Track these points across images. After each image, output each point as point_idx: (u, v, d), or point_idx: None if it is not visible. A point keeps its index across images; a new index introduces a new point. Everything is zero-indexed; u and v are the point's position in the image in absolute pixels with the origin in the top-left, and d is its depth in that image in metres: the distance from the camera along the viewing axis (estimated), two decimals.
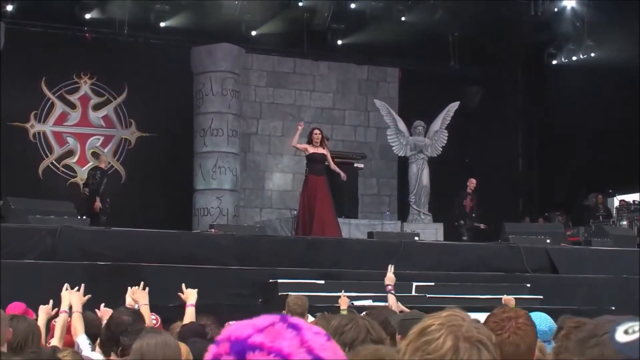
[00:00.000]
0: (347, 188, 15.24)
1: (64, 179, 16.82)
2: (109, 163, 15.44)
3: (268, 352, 1.25)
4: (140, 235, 10.65)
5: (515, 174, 20.76)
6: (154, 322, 5.25)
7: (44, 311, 5.13)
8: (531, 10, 17.20)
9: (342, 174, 13.04)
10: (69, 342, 5.06)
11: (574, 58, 18.18)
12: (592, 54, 17.80)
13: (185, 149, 17.28)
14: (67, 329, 5.20)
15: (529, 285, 11.18)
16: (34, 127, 16.75)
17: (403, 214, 17.79)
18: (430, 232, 15.68)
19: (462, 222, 15.90)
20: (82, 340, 4.76)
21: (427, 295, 10.23)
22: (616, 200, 17.90)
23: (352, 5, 17.69)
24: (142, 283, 5.86)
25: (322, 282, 10.08)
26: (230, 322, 5.25)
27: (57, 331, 4.80)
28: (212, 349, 1.31)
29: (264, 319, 1.31)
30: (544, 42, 18.74)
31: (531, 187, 20.73)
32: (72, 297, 5.03)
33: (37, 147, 16.72)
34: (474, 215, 16.09)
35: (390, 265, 7.11)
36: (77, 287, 5.45)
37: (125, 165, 17.28)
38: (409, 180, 16.91)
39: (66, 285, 5.30)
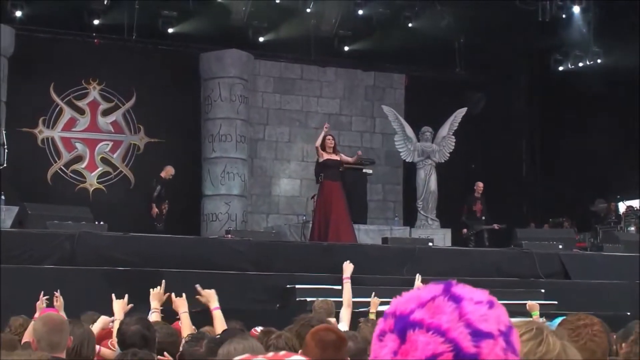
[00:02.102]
0: (356, 194, 15.31)
1: (72, 184, 16.84)
2: (171, 176, 15.46)
3: (427, 328, 1.27)
4: (157, 241, 10.70)
5: (519, 180, 20.81)
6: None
7: (101, 321, 5.16)
8: (538, 17, 17.24)
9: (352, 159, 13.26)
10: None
11: (580, 64, 18.24)
12: (599, 61, 17.86)
13: (194, 154, 17.32)
14: (102, 337, 5.24)
15: (543, 290, 11.23)
16: (42, 132, 16.77)
17: (409, 219, 17.84)
18: (438, 237, 15.70)
19: (468, 229, 15.86)
20: None
21: None
22: (622, 206, 17.94)
23: (360, 12, 17.73)
24: (163, 282, 5.83)
25: (340, 287, 10.08)
26: (257, 328, 5.27)
27: None
28: (380, 323, 1.33)
29: (427, 291, 1.32)
30: (550, 49, 18.80)
31: (535, 193, 20.77)
32: (115, 305, 5.06)
33: (45, 153, 16.73)
34: (483, 218, 16.06)
35: (418, 275, 7.17)
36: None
37: (134, 171, 17.30)
38: (416, 186, 16.95)
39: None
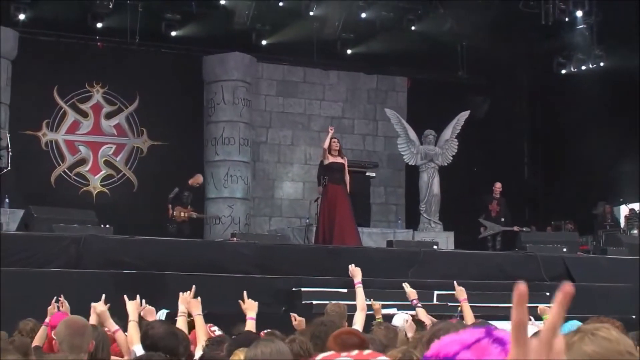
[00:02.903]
0: (359, 196, 15.31)
1: (76, 187, 16.84)
2: (198, 184, 15.53)
3: None
4: (163, 244, 10.72)
5: (521, 183, 20.81)
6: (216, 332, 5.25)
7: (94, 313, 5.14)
8: (541, 20, 17.26)
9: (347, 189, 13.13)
10: (118, 354, 5.07)
11: (583, 67, 18.25)
12: (602, 64, 17.87)
13: (197, 157, 17.34)
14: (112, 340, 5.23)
15: (548, 293, 11.21)
16: (46, 135, 16.77)
17: (411, 222, 17.86)
18: (441, 240, 15.69)
19: (486, 230, 15.68)
20: (139, 350, 4.77)
21: (449, 304, 10.28)
22: (624, 209, 17.92)
23: (363, 15, 17.74)
24: (193, 287, 5.81)
25: (345, 290, 10.10)
26: (265, 331, 5.29)
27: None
28: None
29: (470, 334, 1.35)
30: (553, 52, 18.82)
31: (537, 196, 20.79)
32: (129, 306, 5.06)
33: (49, 156, 16.74)
34: (502, 219, 15.92)
35: (404, 283, 7.20)
36: (103, 295, 5.47)
37: (137, 174, 17.30)
38: (419, 189, 16.96)
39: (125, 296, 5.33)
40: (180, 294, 5.60)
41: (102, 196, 16.97)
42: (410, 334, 6.07)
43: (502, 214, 15.95)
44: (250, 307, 5.39)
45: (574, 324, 4.26)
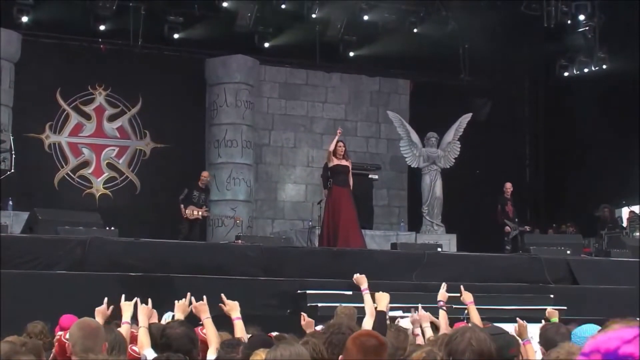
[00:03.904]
0: (362, 199, 15.32)
1: (79, 189, 16.85)
2: (207, 181, 15.49)
3: None
4: (168, 246, 10.72)
5: (523, 185, 20.82)
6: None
7: (100, 313, 5.14)
8: (543, 23, 17.28)
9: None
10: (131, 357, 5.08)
11: (586, 70, 18.26)
12: (604, 66, 17.88)
13: (200, 160, 17.35)
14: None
15: (552, 295, 11.24)
16: (49, 138, 16.78)
17: (413, 225, 17.86)
18: (443, 243, 15.70)
19: (510, 229, 15.59)
20: (149, 353, 4.77)
21: (454, 306, 10.27)
22: (626, 211, 17.91)
23: (365, 17, 17.76)
24: (189, 294, 5.81)
25: (350, 292, 10.12)
26: (273, 333, 5.29)
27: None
28: (582, 358, 1.48)
29: (629, 332, 1.46)
30: (555, 54, 18.84)
31: (538, 198, 20.80)
32: (139, 312, 5.04)
33: (52, 158, 16.75)
34: (516, 220, 15.88)
35: (444, 283, 7.15)
36: (119, 297, 5.46)
37: (140, 176, 17.31)
38: (422, 192, 16.98)
39: (136, 299, 5.32)
40: (176, 302, 5.57)
41: (105, 198, 16.98)
42: (424, 324, 6.11)
43: (517, 215, 15.92)
44: (233, 308, 5.30)
45: (593, 327, 4.26)
